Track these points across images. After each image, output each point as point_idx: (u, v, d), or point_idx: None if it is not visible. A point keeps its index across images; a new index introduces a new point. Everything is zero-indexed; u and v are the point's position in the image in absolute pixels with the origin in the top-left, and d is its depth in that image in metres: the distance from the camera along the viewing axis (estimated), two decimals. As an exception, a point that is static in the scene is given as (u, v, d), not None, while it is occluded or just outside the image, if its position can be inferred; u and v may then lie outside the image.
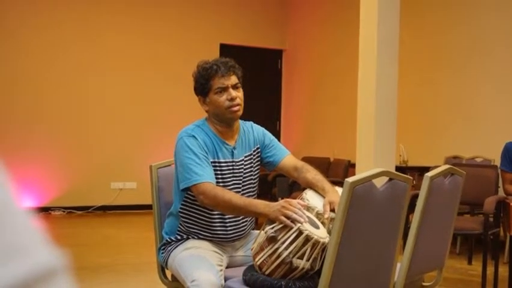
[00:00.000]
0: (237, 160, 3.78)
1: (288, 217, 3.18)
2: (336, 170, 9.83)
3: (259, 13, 14.07)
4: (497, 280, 6.31)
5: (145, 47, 12.63)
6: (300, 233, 3.13)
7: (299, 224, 3.15)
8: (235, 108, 3.68)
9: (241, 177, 3.80)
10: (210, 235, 3.74)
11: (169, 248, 3.80)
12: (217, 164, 3.69)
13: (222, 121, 3.74)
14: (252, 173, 3.88)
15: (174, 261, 3.66)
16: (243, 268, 3.46)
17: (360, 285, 3.32)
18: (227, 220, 3.74)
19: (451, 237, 4.17)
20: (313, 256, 3.16)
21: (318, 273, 3.11)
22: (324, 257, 3.08)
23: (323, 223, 3.35)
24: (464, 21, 10.13)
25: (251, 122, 4.04)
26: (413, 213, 3.59)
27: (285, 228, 3.18)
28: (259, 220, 4.32)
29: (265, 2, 14.14)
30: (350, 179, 3.00)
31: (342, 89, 12.31)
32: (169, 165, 4.22)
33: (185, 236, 3.78)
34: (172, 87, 12.60)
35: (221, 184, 3.65)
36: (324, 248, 3.15)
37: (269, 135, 4.02)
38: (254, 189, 3.91)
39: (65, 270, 0.57)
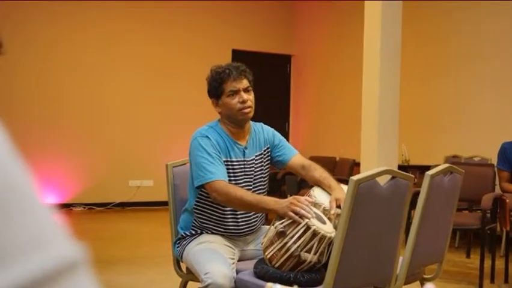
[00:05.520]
0: (248, 159, 3.77)
1: (296, 213, 3.18)
2: (341, 169, 9.81)
3: (269, 21, 14.09)
4: (494, 272, 6.31)
5: (162, 53, 12.66)
6: (308, 228, 3.13)
7: (307, 220, 3.15)
8: (246, 110, 3.67)
9: (252, 176, 3.80)
10: (223, 230, 3.74)
11: (184, 242, 3.80)
12: (229, 163, 3.69)
13: (234, 122, 3.74)
14: (262, 171, 3.88)
15: (189, 255, 3.66)
16: (254, 261, 3.46)
17: (364, 278, 3.32)
18: (239, 216, 3.74)
19: (450, 232, 4.17)
20: (320, 250, 3.16)
21: (325, 266, 3.11)
22: (331, 250, 3.08)
23: (329, 219, 3.35)
24: (463, 28, 10.11)
25: (261, 123, 4.03)
26: (414, 210, 3.59)
27: (294, 223, 3.18)
28: (269, 216, 4.32)
29: (274, 10, 14.15)
30: (355, 177, 3.00)
31: (347, 92, 12.30)
32: (184, 164, 4.22)
33: (199, 231, 3.78)
34: (187, 91, 12.61)
35: (233, 182, 3.64)
36: (330, 242, 3.15)
37: (278, 136, 4.01)
38: (264, 186, 3.91)
39: (85, 262, 0.57)
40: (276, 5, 14.17)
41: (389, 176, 3.26)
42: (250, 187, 3.75)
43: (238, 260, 3.71)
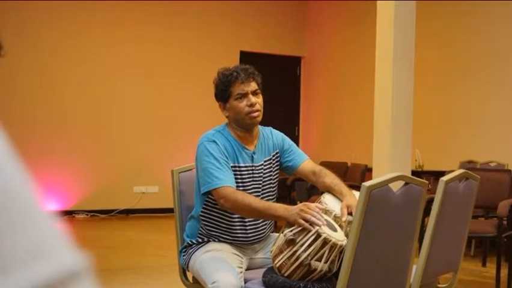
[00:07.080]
0: (256, 165, 3.76)
1: (306, 220, 3.17)
2: (353, 174, 9.80)
3: (279, 21, 14.08)
4: (511, 282, 6.28)
5: (167, 54, 12.67)
6: (318, 235, 3.13)
7: (317, 227, 3.14)
8: (255, 114, 3.66)
9: (261, 182, 3.79)
10: (231, 238, 3.73)
11: (190, 250, 3.79)
12: (237, 169, 3.68)
13: (242, 126, 3.73)
14: (271, 177, 3.87)
15: (195, 264, 3.65)
16: (263, 270, 3.45)
17: (376, 287, 3.31)
18: (247, 223, 3.73)
19: (466, 240, 4.15)
20: (331, 258, 3.15)
21: (336, 275, 3.10)
22: (342, 259, 3.07)
23: (340, 226, 3.34)
24: (477, 29, 10.10)
25: (270, 128, 4.02)
26: (428, 217, 3.57)
27: (304, 231, 3.17)
28: (279, 223, 4.31)
29: (284, 10, 14.15)
30: (367, 183, 2.99)
31: (359, 95, 12.30)
32: (190, 169, 4.22)
33: (206, 239, 3.77)
34: (193, 94, 12.62)
35: (241, 188, 3.63)
36: (341, 251, 3.15)
37: (288, 140, 4.00)
38: (273, 193, 3.90)
39: (88, 272, 0.57)
40: (286, 5, 14.16)
41: (402, 182, 3.25)
42: (259, 193, 3.74)
43: (247, 269, 3.70)
